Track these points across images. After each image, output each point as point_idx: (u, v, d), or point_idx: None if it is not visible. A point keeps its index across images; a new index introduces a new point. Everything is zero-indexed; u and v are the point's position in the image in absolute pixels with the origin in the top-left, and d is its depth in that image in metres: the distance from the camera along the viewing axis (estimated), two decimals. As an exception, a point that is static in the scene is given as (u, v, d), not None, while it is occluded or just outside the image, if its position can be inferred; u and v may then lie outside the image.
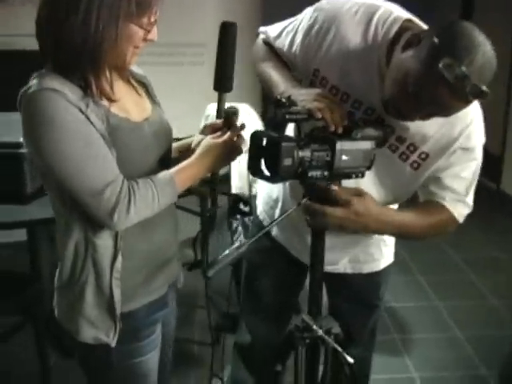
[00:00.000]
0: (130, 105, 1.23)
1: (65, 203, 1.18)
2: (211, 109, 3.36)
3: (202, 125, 2.85)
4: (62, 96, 1.06)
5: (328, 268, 1.58)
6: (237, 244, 1.23)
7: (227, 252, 1.23)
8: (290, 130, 1.45)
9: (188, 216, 3.18)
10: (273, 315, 1.74)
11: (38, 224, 2.10)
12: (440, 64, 1.07)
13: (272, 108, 1.22)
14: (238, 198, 2.94)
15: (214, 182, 1.35)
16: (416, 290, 3.26)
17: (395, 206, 1.54)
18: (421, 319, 2.96)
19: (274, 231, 1.68)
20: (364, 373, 1.87)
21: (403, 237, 1.49)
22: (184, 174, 1.23)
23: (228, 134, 1.26)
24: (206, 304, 1.50)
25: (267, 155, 1.20)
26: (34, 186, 2.04)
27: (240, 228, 2.83)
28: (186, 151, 1.32)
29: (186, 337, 2.66)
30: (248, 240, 1.25)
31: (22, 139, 1.63)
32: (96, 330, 1.24)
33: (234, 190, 2.95)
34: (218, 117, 1.33)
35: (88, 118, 1.09)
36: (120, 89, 1.22)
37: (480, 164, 1.38)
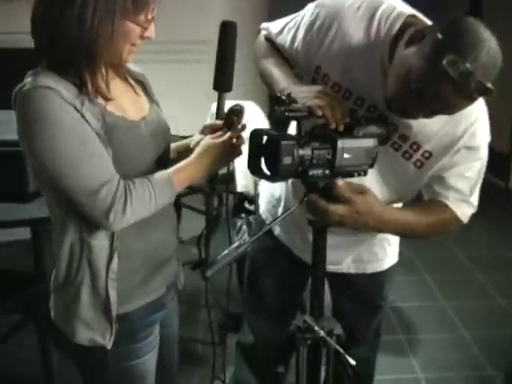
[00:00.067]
0: (126, 103, 1.21)
1: (60, 203, 1.17)
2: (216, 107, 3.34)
3: (207, 122, 2.82)
4: (56, 94, 1.05)
5: (331, 268, 1.58)
6: (236, 244, 1.21)
7: (226, 252, 1.21)
8: (294, 128, 1.43)
9: (193, 214, 3.17)
10: (275, 315, 1.72)
11: (40, 223, 2.09)
12: (444, 60, 1.05)
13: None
14: (243, 197, 2.93)
15: (214, 181, 1.33)
16: (422, 289, 3.23)
17: (399, 205, 1.52)
18: (426, 319, 2.94)
19: (277, 230, 1.67)
20: (368, 373, 1.85)
21: (405, 235, 1.48)
22: (182, 173, 1.21)
23: (228, 134, 1.25)
24: (206, 303, 1.48)
25: (267, 154, 1.18)
26: (35, 185, 2.03)
27: (244, 227, 2.82)
28: (185, 151, 1.30)
29: (190, 336, 2.65)
30: (248, 240, 1.23)
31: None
32: (92, 331, 1.22)
33: (239, 189, 2.94)
34: (217, 117, 1.32)
35: (83, 117, 1.08)
36: (117, 87, 1.20)
37: (485, 163, 1.36)
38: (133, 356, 1.28)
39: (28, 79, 1.09)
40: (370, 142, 1.25)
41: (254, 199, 2.81)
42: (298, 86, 1.32)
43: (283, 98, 1.19)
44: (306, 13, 1.40)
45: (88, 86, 1.10)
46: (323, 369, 1.42)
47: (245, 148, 1.27)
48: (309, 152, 1.19)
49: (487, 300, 3.11)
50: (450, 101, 1.10)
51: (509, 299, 3.09)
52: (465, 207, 1.38)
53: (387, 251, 1.62)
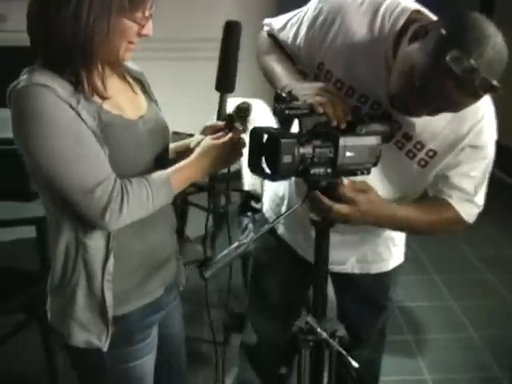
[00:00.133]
0: (124, 102, 1.20)
1: (55, 202, 1.16)
2: (225, 104, 3.33)
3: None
4: (51, 91, 1.04)
5: (335, 268, 1.56)
6: (236, 244, 1.19)
7: (225, 252, 1.19)
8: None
9: (200, 213, 3.16)
10: (279, 315, 1.70)
11: (45, 221, 2.08)
12: (447, 56, 1.02)
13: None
14: (249, 195, 2.91)
15: (213, 180, 1.31)
16: (430, 289, 3.19)
17: None
18: (434, 319, 2.90)
19: (280, 229, 1.65)
20: (373, 374, 1.83)
21: (406, 232, 1.48)
22: (181, 174, 1.20)
23: (228, 135, 1.23)
24: (206, 304, 1.47)
25: (267, 152, 1.16)
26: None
27: (251, 225, 2.80)
28: (184, 152, 1.29)
29: (196, 335, 2.64)
30: (248, 240, 1.20)
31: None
32: (88, 333, 1.21)
33: (246, 187, 2.92)
34: (218, 118, 1.30)
35: (79, 115, 1.06)
36: (114, 85, 1.19)
37: (491, 162, 1.33)
38: (130, 358, 1.26)
39: (23, 77, 1.08)
40: (373, 140, 1.23)
41: (260, 198, 2.79)
42: (299, 82, 1.29)
43: (284, 95, 1.17)
44: (309, 8, 1.38)
45: (84, 84, 1.08)
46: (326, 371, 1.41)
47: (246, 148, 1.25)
48: (310, 150, 1.16)
49: (496, 300, 3.06)
50: (454, 98, 1.07)
51: (518, 299, 3.06)
52: (469, 207, 1.35)
53: (392, 251, 1.59)
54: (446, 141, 1.27)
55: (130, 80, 1.27)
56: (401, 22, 1.23)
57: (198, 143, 1.26)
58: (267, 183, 1.80)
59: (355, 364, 1.27)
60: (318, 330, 1.32)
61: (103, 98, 1.12)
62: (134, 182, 1.14)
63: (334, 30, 1.29)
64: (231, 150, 1.23)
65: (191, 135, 1.39)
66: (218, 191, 3.09)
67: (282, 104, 1.14)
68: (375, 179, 1.31)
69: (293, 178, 1.46)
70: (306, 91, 1.21)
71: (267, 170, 1.17)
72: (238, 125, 1.27)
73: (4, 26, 3.82)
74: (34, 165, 1.10)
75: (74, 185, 1.08)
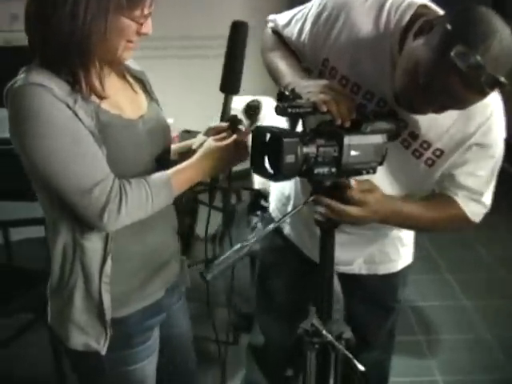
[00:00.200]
0: (123, 101, 1.18)
1: (52, 203, 1.15)
2: (234, 103, 3.31)
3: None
4: (48, 91, 1.03)
5: (342, 268, 1.54)
6: (238, 245, 1.17)
7: (228, 254, 1.17)
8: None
9: (211, 211, 3.14)
10: (285, 315, 1.68)
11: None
12: (452, 52, 0.99)
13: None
14: (259, 194, 2.89)
15: (216, 180, 1.29)
16: (442, 288, 3.14)
17: None
18: (447, 319, 2.85)
19: (287, 230, 1.63)
20: (382, 376, 1.80)
21: (412, 229, 1.46)
22: (182, 175, 1.18)
23: (232, 138, 1.21)
24: (207, 304, 1.45)
25: (270, 152, 1.14)
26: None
27: (260, 224, 2.78)
28: (186, 153, 1.27)
29: (205, 335, 2.62)
30: (250, 241, 1.18)
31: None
32: (86, 336, 1.20)
33: (256, 186, 2.90)
34: (222, 119, 1.29)
35: (76, 114, 1.05)
36: (114, 85, 1.18)
37: (500, 161, 1.30)
38: (130, 361, 1.25)
39: (20, 76, 1.07)
40: (378, 139, 1.20)
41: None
42: (303, 80, 1.27)
43: (286, 93, 1.14)
44: (314, 4, 1.35)
45: (81, 83, 1.07)
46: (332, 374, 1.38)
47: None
48: (313, 149, 1.14)
49: (510, 300, 3.00)
50: (460, 95, 1.04)
51: (533, 299, 3.00)
52: (475, 206, 1.33)
53: (400, 252, 1.56)
54: (452, 139, 1.24)
55: (131, 79, 1.25)
56: (407, 16, 1.20)
57: (201, 144, 1.25)
58: (273, 183, 1.78)
59: (361, 367, 1.24)
60: (324, 332, 1.29)
61: (101, 97, 1.10)
62: (133, 182, 1.12)
63: (339, 25, 1.27)
64: (234, 152, 1.21)
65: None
66: (228, 190, 3.09)
67: (284, 102, 1.12)
68: (382, 178, 1.28)
69: (298, 178, 1.44)
70: (310, 89, 1.18)
71: (270, 170, 1.15)
72: (241, 126, 1.25)
73: (17, 25, 3.84)
74: (30, 165, 1.09)
75: (70, 185, 1.07)
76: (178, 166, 1.19)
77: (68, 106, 1.04)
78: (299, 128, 1.45)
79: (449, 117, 1.20)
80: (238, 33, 1.23)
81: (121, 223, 1.11)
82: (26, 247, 3.09)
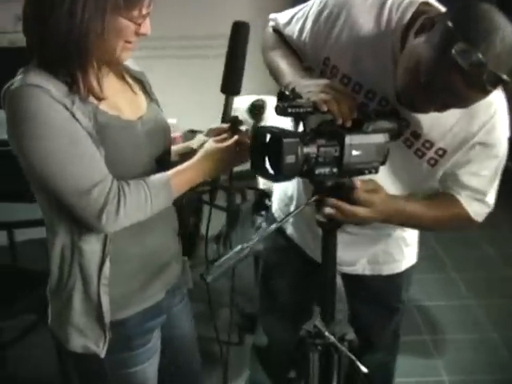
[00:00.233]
0: (122, 102, 1.18)
1: (51, 204, 1.14)
2: (238, 102, 3.31)
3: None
4: (45, 92, 1.02)
5: (345, 269, 1.54)
6: (239, 247, 1.16)
7: (228, 255, 1.16)
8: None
9: (215, 211, 3.13)
10: (289, 316, 1.68)
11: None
12: (453, 50, 0.97)
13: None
14: (263, 193, 2.88)
15: (216, 181, 1.29)
16: (448, 287, 3.11)
17: None
18: (453, 319, 2.83)
19: (289, 230, 1.62)
20: (387, 377, 1.79)
21: (415, 228, 1.45)
22: (182, 176, 1.17)
23: (233, 139, 1.20)
24: (209, 305, 1.45)
25: (270, 152, 1.13)
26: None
27: (264, 224, 2.77)
28: (187, 154, 1.26)
29: (209, 335, 2.62)
30: (251, 243, 1.17)
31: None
32: (85, 338, 1.19)
33: (261, 185, 2.89)
34: (223, 120, 1.28)
35: (73, 116, 1.05)
36: (112, 86, 1.17)
37: (504, 161, 1.28)
38: (130, 363, 1.24)
39: (18, 77, 1.06)
40: (380, 138, 1.19)
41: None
42: (304, 79, 1.25)
43: (287, 93, 1.13)
44: (315, 2, 1.34)
45: (79, 84, 1.07)
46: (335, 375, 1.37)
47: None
48: (314, 150, 1.13)
49: (517, 299, 2.99)
50: (461, 93, 1.02)
51: (541, 298, 2.97)
52: (478, 206, 1.31)
53: (404, 252, 1.55)
54: (455, 139, 1.23)
55: (130, 80, 1.25)
56: (408, 14, 1.18)
57: (202, 144, 1.24)
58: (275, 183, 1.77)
59: (364, 369, 1.23)
60: (326, 333, 1.28)
61: (99, 98, 1.10)
62: (131, 183, 1.12)
63: (340, 24, 1.25)
64: (235, 154, 1.20)
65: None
66: (229, 190, 3.09)
67: (284, 102, 1.11)
68: (384, 178, 1.27)
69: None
70: (310, 88, 1.17)
71: (271, 171, 1.14)
72: (242, 127, 1.24)
73: (21, 26, 3.84)
74: (28, 166, 1.09)
75: (68, 186, 1.06)
76: (178, 167, 1.19)
77: (65, 107, 1.04)
78: (302, 127, 1.45)
79: (452, 116, 1.18)
80: (238, 33, 1.21)
81: (119, 225, 1.11)
82: (30, 248, 3.09)
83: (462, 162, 1.26)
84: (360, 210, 1.17)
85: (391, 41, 1.20)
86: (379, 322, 1.63)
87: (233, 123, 1.25)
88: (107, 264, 1.16)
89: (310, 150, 1.12)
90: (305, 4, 1.39)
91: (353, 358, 1.25)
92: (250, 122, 2.87)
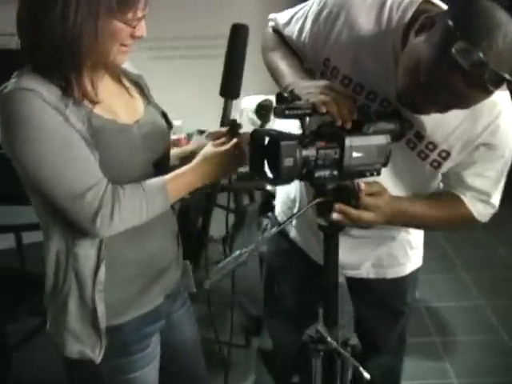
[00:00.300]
0: (118, 106, 1.17)
1: (46, 208, 1.14)
2: (246, 102, 3.29)
3: (237, 118, 2.77)
4: (38, 96, 1.02)
5: (350, 272, 1.51)
6: (237, 252, 1.14)
7: (227, 260, 1.15)
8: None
9: (222, 212, 3.12)
10: (293, 319, 1.66)
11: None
12: (453, 49, 0.94)
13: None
14: (270, 194, 2.86)
15: (216, 186, 1.27)
16: (458, 288, 3.08)
17: None
18: (463, 320, 2.80)
19: (293, 233, 1.60)
20: (393, 381, 1.76)
21: (417, 228, 1.44)
22: (180, 180, 1.16)
23: (231, 142, 1.19)
24: (209, 310, 1.44)
25: (268, 155, 1.11)
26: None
27: (270, 226, 2.75)
28: (187, 157, 1.26)
29: (212, 337, 2.61)
30: (250, 248, 1.15)
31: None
32: (81, 344, 1.19)
33: (268, 187, 2.87)
34: (222, 124, 1.27)
35: (67, 120, 1.04)
36: (108, 89, 1.16)
37: (510, 161, 1.25)
38: (128, 369, 1.23)
39: (11, 81, 1.06)
40: (381, 139, 1.16)
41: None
42: (303, 81, 1.23)
43: (285, 94, 1.11)
44: (315, 1, 1.32)
45: (73, 88, 1.06)
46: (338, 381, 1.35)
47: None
48: (313, 152, 1.11)
49: (529, 300, 2.94)
50: (463, 93, 1.00)
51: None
52: (482, 207, 1.29)
53: (409, 255, 1.52)
54: (459, 140, 1.20)
55: (127, 83, 1.24)
56: (409, 13, 1.16)
57: (200, 147, 1.23)
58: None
59: (367, 375, 1.21)
60: (329, 339, 1.26)
61: (93, 102, 1.09)
62: (127, 188, 1.11)
63: (339, 24, 1.23)
64: (234, 157, 1.19)
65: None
66: (241, 190, 3.08)
67: (282, 104, 1.09)
68: (386, 180, 1.25)
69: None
70: (309, 90, 1.15)
71: (269, 174, 1.12)
72: (241, 131, 1.23)
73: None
74: (21, 170, 1.09)
75: (62, 190, 1.06)
76: (177, 171, 1.18)
77: (59, 110, 1.03)
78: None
79: (455, 117, 1.15)
80: (237, 36, 1.20)
81: (114, 229, 1.10)
82: (38, 250, 3.10)
83: (467, 163, 1.24)
84: (366, 215, 1.15)
85: (392, 40, 1.18)
86: (384, 325, 1.61)
87: (231, 127, 1.24)
88: (102, 269, 1.15)
89: (309, 152, 1.10)
90: (305, 3, 1.37)
91: (356, 363, 1.22)
92: (258, 122, 2.86)
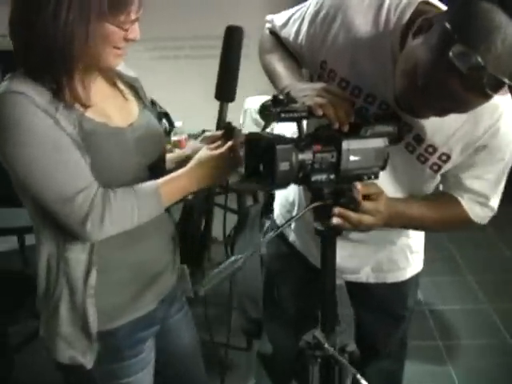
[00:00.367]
0: (111, 109, 1.16)
1: (37, 211, 1.13)
2: (249, 103, 3.27)
3: (240, 119, 2.74)
4: (28, 99, 1.01)
5: (349, 277, 1.50)
6: (233, 258, 1.12)
7: (222, 266, 1.13)
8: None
9: (227, 214, 3.10)
10: (292, 323, 1.64)
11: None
12: (451, 52, 0.92)
13: None
14: (273, 195, 2.84)
15: (211, 189, 1.26)
16: (463, 290, 3.04)
17: None
18: (467, 323, 2.76)
19: (292, 237, 1.59)
20: (395, 386, 1.74)
21: (414, 229, 1.42)
22: (174, 184, 1.15)
23: (226, 145, 1.18)
24: (205, 317, 1.42)
25: (263, 159, 1.09)
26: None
27: (269, 228, 2.73)
28: (183, 162, 1.24)
29: (217, 340, 2.59)
30: (244, 255, 1.13)
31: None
32: (72, 349, 1.18)
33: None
34: (218, 127, 1.26)
35: (57, 123, 1.04)
36: (102, 92, 1.15)
37: (510, 164, 1.23)
38: (121, 375, 1.22)
39: (3, 83, 1.05)
40: (379, 142, 1.14)
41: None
42: (300, 83, 1.22)
43: (281, 97, 1.09)
44: (312, 2, 1.30)
45: (65, 91, 1.05)
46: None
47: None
48: (310, 156, 1.08)
49: (536, 304, 2.90)
50: (460, 98, 0.97)
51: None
52: (480, 209, 1.28)
53: (409, 259, 1.50)
54: (459, 143, 1.18)
55: (122, 86, 1.23)
56: (407, 14, 1.13)
57: (195, 151, 1.22)
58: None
59: (365, 383, 1.19)
60: (326, 345, 1.24)
61: (85, 106, 1.08)
62: (118, 191, 1.10)
63: (336, 26, 1.21)
64: (229, 160, 1.18)
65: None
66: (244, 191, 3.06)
67: (277, 107, 1.07)
68: (385, 183, 1.23)
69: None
70: (306, 92, 1.13)
71: (265, 178, 1.10)
72: (237, 134, 1.21)
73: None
74: (12, 173, 1.08)
75: (52, 193, 1.05)
76: (171, 175, 1.17)
77: (49, 113, 1.03)
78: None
79: (456, 120, 1.13)
80: (232, 38, 1.18)
81: (105, 233, 1.09)
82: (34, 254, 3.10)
83: (466, 166, 1.22)
84: (366, 218, 1.14)
85: (390, 41, 1.15)
86: (385, 329, 1.59)
87: (227, 130, 1.22)
88: (93, 273, 1.14)
89: (306, 156, 1.08)
90: (303, 4, 1.35)
91: (353, 370, 1.21)
92: (262, 122, 2.84)
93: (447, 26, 0.95)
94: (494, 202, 1.28)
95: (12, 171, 1.07)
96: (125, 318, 1.21)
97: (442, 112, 1.05)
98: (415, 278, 1.54)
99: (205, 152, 1.18)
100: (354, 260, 1.45)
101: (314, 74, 1.30)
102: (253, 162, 1.11)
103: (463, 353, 2.54)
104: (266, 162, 1.08)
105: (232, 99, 1.23)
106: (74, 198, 1.05)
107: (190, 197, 1.32)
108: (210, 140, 1.24)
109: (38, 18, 1.01)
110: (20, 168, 1.05)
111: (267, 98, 1.17)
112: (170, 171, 1.21)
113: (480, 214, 1.29)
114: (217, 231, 3.19)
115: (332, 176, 1.12)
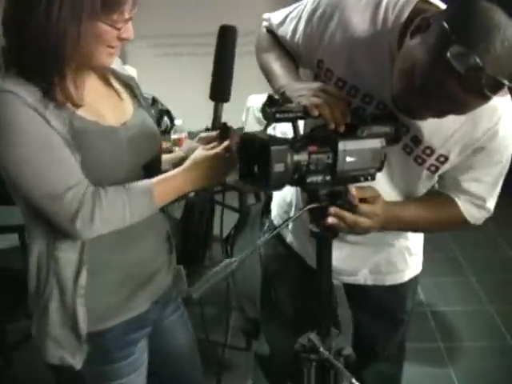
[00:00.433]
0: (105, 108, 1.15)
1: (28, 209, 1.13)
2: (252, 100, 3.25)
3: (243, 117, 2.72)
4: (20, 99, 1.01)
5: (347, 279, 1.48)
6: (227, 261, 1.11)
7: (216, 269, 1.11)
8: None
9: (227, 212, 3.09)
10: (289, 324, 1.63)
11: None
12: (449, 52, 0.90)
13: None
14: (271, 195, 2.83)
15: (207, 189, 1.24)
16: (466, 291, 3.01)
17: None
18: (469, 325, 2.73)
19: (289, 238, 1.58)
20: (393, 390, 1.72)
21: (411, 231, 1.42)
22: (168, 184, 1.14)
23: (222, 145, 1.17)
24: (201, 318, 1.41)
25: (258, 160, 1.07)
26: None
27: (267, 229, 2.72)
28: (179, 162, 1.23)
29: (214, 339, 2.58)
30: (238, 258, 1.12)
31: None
32: (62, 349, 1.17)
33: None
34: (213, 128, 1.25)
35: (47, 121, 1.03)
36: (95, 91, 1.15)
37: (507, 166, 1.21)
38: (112, 376, 1.21)
39: None
40: (376, 143, 1.12)
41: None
42: (296, 83, 1.20)
43: (276, 97, 1.07)
44: (309, 1, 1.28)
45: (56, 90, 1.05)
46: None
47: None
48: (305, 157, 1.07)
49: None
50: (458, 99, 0.95)
51: None
52: (476, 211, 1.27)
53: (408, 261, 1.48)
54: (458, 144, 1.16)
55: (117, 85, 1.22)
56: (405, 13, 1.11)
57: (191, 151, 1.21)
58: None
59: (360, 387, 1.17)
60: (321, 349, 1.22)
61: (76, 105, 1.07)
62: (110, 189, 1.09)
63: (333, 25, 1.19)
64: (225, 160, 1.17)
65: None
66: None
67: (272, 107, 1.05)
68: (382, 184, 1.22)
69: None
70: (302, 92, 1.11)
71: (260, 180, 1.08)
72: (232, 134, 1.20)
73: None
74: (3, 172, 1.08)
75: (42, 191, 1.05)
76: (166, 174, 1.16)
77: (39, 112, 1.02)
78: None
79: (454, 121, 1.11)
80: (226, 38, 1.17)
81: (95, 231, 1.09)
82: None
83: (464, 168, 1.21)
84: (362, 220, 1.13)
85: (388, 40, 1.13)
86: (383, 332, 1.58)
87: (222, 130, 1.21)
88: (84, 273, 1.13)
89: (301, 157, 1.06)
90: (300, 2, 1.33)
91: (348, 374, 1.19)
92: (263, 121, 2.82)
93: (445, 25, 0.93)
94: (491, 203, 1.27)
95: (3, 171, 1.07)
96: (116, 320, 1.20)
97: (439, 113, 1.04)
98: (414, 281, 1.52)
99: (200, 152, 1.18)
100: (352, 262, 1.43)
101: (311, 74, 1.28)
102: (247, 163, 1.10)
103: (464, 355, 2.52)
104: (261, 163, 1.06)
105: (226, 99, 1.22)
106: (63, 194, 1.05)
107: (191, 195, 1.32)
108: (206, 140, 1.23)
109: (30, 17, 1.01)
110: (11, 168, 1.05)
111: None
112: (166, 171, 1.20)
113: (476, 215, 1.28)
114: (216, 229, 3.19)
115: (328, 177, 1.10)
